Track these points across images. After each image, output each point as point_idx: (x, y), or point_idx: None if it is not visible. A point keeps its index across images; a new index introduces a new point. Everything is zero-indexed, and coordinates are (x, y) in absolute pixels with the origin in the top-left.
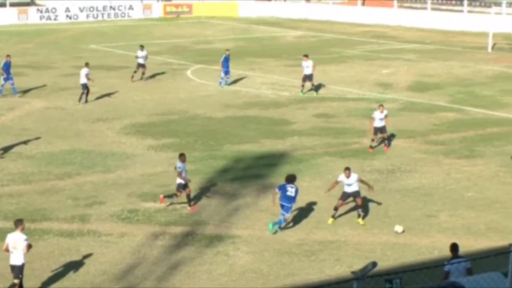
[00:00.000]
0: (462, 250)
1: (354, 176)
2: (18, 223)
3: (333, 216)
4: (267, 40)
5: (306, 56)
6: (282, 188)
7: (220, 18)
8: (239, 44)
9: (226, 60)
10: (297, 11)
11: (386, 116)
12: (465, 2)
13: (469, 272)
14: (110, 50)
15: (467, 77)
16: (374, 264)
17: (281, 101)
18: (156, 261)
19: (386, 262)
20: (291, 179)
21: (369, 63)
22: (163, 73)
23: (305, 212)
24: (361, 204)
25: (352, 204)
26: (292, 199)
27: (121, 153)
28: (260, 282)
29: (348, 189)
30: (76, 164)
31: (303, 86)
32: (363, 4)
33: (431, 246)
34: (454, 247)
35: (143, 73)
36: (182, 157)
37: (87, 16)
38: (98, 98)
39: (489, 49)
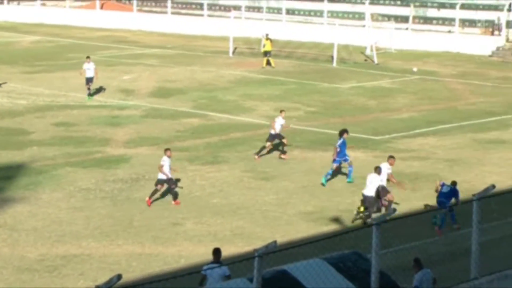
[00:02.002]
0: (208, 257)
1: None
2: None
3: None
4: (0, 45)
5: (88, 57)
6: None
7: None
8: None
9: None
10: (33, 15)
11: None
12: (205, 7)
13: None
14: None
15: (209, 82)
16: (119, 276)
17: (18, 110)
18: None
19: (132, 273)
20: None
21: (110, 69)
22: None
23: (46, 225)
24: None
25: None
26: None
27: None
28: None
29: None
30: None
31: (89, 89)
32: (101, 8)
33: (177, 255)
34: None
35: None
36: (167, 151)
37: None
38: None
39: (230, 54)
